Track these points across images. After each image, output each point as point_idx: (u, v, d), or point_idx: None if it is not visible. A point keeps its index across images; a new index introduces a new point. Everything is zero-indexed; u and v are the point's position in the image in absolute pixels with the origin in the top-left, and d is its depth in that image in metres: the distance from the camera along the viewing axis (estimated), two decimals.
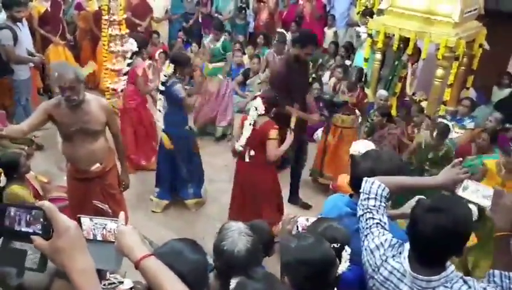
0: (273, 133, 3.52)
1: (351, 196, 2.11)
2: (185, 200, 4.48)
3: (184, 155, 4.30)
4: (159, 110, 4.23)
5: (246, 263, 1.73)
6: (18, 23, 5.01)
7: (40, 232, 0.97)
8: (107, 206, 3.41)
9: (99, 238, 1.43)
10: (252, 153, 3.64)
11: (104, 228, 1.43)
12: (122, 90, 4.82)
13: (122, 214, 1.45)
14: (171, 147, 4.20)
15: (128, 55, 4.83)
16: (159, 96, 4.20)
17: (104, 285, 2.30)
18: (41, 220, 0.97)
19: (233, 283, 1.67)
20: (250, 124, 3.59)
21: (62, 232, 0.98)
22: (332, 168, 4.80)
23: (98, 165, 3.23)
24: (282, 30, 5.88)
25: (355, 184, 2.02)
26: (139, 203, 4.39)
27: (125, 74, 4.78)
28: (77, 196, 3.37)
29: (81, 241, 1.02)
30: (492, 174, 3.78)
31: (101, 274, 2.27)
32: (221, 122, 5.76)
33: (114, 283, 2.42)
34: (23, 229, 0.98)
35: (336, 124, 4.82)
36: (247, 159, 3.69)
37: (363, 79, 4.99)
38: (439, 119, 4.44)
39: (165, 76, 4.10)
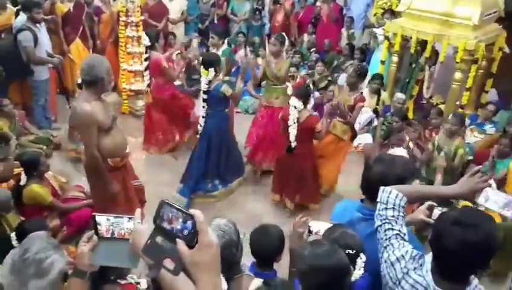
0: (319, 125, 3.98)
1: (362, 200, 2.08)
2: (209, 192, 4.53)
3: (223, 149, 4.44)
4: (203, 116, 4.30)
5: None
6: (37, 25, 5.11)
7: (187, 239, 0.99)
8: (140, 181, 3.67)
9: (116, 236, 1.43)
10: (295, 144, 3.98)
11: (121, 226, 1.43)
12: (148, 85, 4.96)
13: (138, 212, 1.43)
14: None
15: (143, 51, 4.96)
16: (203, 103, 4.25)
17: None
18: (190, 227, 0.98)
19: None
20: (294, 122, 3.92)
21: (205, 247, 0.97)
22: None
23: (127, 146, 3.40)
24: (283, 33, 5.50)
25: (367, 188, 2.00)
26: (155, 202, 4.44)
27: (146, 69, 4.90)
28: (118, 186, 3.36)
29: (219, 261, 1.01)
30: (510, 176, 3.77)
31: (122, 272, 2.30)
32: None
33: (130, 283, 2.45)
34: (170, 229, 1.00)
35: (330, 130, 4.47)
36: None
37: (365, 81, 4.64)
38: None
39: (207, 84, 4.11)
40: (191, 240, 0.98)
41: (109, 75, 3.07)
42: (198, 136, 4.46)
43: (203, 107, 4.25)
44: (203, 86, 4.16)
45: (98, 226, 1.46)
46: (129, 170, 3.54)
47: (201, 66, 4.20)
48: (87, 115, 3.01)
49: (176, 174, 4.73)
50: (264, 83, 5.30)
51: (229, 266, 1.80)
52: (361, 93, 4.48)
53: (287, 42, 5.14)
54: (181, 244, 0.98)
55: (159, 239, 1.03)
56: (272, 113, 4.79)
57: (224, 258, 1.70)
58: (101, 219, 1.44)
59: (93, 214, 1.46)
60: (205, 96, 4.18)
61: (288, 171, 4.23)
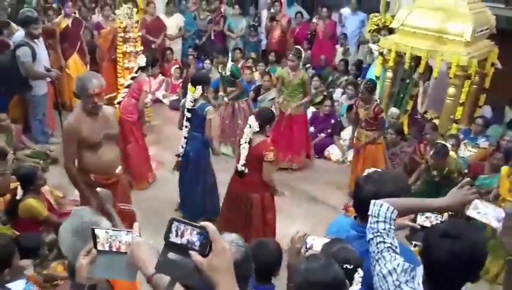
0: (270, 155, 3.49)
1: (355, 217, 2.08)
2: None
3: (200, 179, 4.27)
4: (185, 137, 4.19)
5: (236, 272, 1.70)
6: (35, 40, 5.16)
7: (199, 249, 1.05)
8: (131, 205, 3.50)
9: (114, 249, 1.43)
10: (246, 170, 3.60)
11: (119, 240, 1.44)
12: (119, 103, 4.85)
13: (136, 225, 1.44)
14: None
15: (135, 69, 4.95)
16: (185, 123, 4.15)
17: None
18: (201, 238, 1.05)
19: None
20: (245, 142, 3.58)
21: (220, 253, 1.05)
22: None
23: (120, 167, 3.34)
24: (298, 46, 5.87)
25: (359, 207, 2.01)
26: (148, 218, 4.39)
27: (126, 87, 4.87)
28: (96, 203, 3.28)
29: (232, 265, 1.10)
30: (503, 178, 3.87)
31: None
32: None
33: None
34: (182, 242, 1.06)
35: (359, 138, 4.80)
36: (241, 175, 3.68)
37: (376, 92, 4.89)
38: (441, 141, 4.42)
39: (192, 101, 4.03)
40: (204, 250, 1.04)
41: (88, 91, 2.95)
42: (179, 158, 4.32)
43: (186, 126, 4.15)
44: (188, 104, 4.05)
45: (97, 239, 1.46)
46: (119, 192, 3.41)
47: (189, 83, 4.12)
48: (67, 127, 3.10)
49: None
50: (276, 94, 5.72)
51: (245, 280, 1.79)
52: (377, 100, 4.71)
53: (303, 55, 5.57)
54: (195, 255, 1.04)
55: (171, 255, 1.07)
56: (288, 118, 5.42)
57: (244, 272, 1.72)
58: (100, 232, 1.45)
59: (93, 227, 1.47)
60: (189, 115, 4.09)
61: (235, 199, 3.83)
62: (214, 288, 1.05)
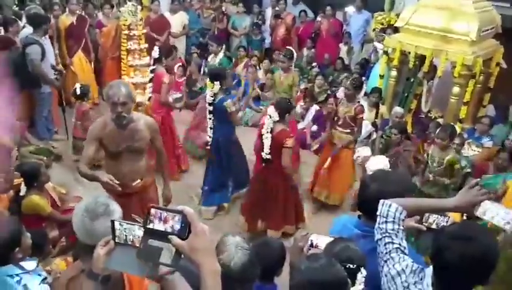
0: (289, 141, 3.69)
1: (359, 217, 2.08)
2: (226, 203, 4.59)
3: (231, 160, 4.45)
4: (210, 128, 4.39)
5: (242, 276, 1.72)
6: (43, 37, 5.18)
7: (178, 233, 1.09)
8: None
9: (130, 243, 1.44)
10: (269, 157, 3.84)
11: (132, 233, 1.44)
12: (149, 99, 4.97)
13: None
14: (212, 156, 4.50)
15: (151, 62, 5.01)
16: (209, 115, 4.34)
17: None
18: (181, 222, 1.10)
19: None
20: (267, 132, 3.80)
21: (200, 234, 1.11)
22: (326, 188, 4.64)
23: (138, 181, 3.23)
24: (290, 47, 5.74)
25: (364, 206, 2.00)
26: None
27: (149, 81, 4.92)
28: None
29: (213, 245, 1.16)
30: (510, 194, 3.75)
31: None
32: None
33: None
34: (162, 228, 1.10)
35: (331, 140, 4.61)
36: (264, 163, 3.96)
37: (362, 90, 4.72)
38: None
39: (211, 96, 4.20)
40: (183, 233, 1.08)
41: (112, 99, 2.89)
42: (208, 147, 4.53)
43: (210, 118, 4.34)
44: (208, 99, 4.25)
45: (115, 232, 1.47)
46: (137, 204, 3.25)
47: (208, 79, 4.28)
48: (90, 129, 3.09)
49: None
50: (269, 93, 5.43)
51: (250, 283, 1.80)
52: (359, 102, 4.55)
53: (304, 53, 5.35)
54: (175, 239, 1.08)
55: (151, 241, 1.11)
56: None
57: (250, 275, 1.72)
58: (117, 224, 1.45)
59: (112, 219, 1.47)
60: (210, 108, 4.28)
61: (261, 188, 4.10)
62: (198, 268, 1.10)
